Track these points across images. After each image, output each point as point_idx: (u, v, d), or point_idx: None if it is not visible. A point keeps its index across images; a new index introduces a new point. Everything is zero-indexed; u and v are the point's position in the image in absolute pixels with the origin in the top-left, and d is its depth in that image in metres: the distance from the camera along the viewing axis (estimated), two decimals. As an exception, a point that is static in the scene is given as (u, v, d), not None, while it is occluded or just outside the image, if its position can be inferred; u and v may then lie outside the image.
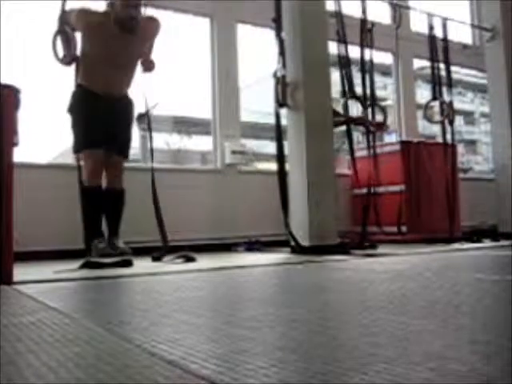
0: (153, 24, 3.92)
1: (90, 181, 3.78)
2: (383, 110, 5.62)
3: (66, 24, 3.75)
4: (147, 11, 3.96)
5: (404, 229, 5.64)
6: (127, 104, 3.97)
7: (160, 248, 3.92)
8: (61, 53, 3.79)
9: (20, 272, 2.69)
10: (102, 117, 3.74)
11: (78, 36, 3.81)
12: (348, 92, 5.23)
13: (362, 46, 5.46)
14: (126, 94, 3.96)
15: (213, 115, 5.72)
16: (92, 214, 3.80)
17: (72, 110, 3.79)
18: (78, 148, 3.86)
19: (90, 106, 3.75)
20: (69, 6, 3.82)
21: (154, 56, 4.04)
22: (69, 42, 3.73)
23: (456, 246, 5.15)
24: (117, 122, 3.84)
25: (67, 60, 3.76)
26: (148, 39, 3.92)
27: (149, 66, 3.96)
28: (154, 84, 4.13)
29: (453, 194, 5.90)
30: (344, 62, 5.19)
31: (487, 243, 5.45)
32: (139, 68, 3.98)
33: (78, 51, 3.80)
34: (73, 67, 3.87)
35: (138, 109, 4.10)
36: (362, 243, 4.70)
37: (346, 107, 5.17)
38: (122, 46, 3.73)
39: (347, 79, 5.21)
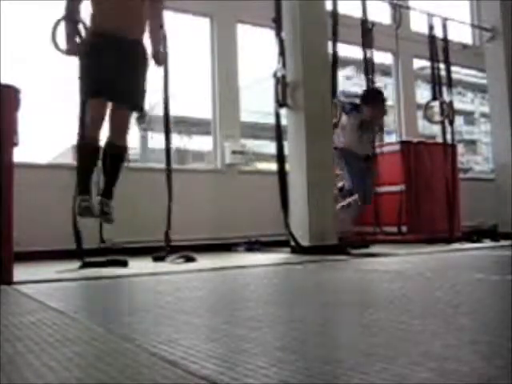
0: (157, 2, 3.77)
1: (87, 132, 3.48)
2: None
3: (76, 12, 3.53)
4: None
5: (404, 229, 5.64)
6: (138, 50, 3.65)
7: (160, 248, 3.92)
8: (63, 43, 3.58)
9: (20, 272, 2.69)
10: (108, 63, 3.43)
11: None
12: None
13: (364, 46, 5.46)
14: (139, 38, 3.64)
15: (213, 115, 5.72)
16: (82, 168, 3.52)
17: (79, 52, 3.48)
18: (82, 98, 3.52)
19: (97, 51, 3.45)
20: None
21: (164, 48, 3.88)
22: (75, 28, 3.44)
23: (456, 246, 5.15)
24: (123, 69, 3.51)
25: (73, 49, 3.46)
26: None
27: (160, 59, 3.77)
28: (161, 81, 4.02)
29: (453, 194, 5.90)
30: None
31: (487, 243, 5.45)
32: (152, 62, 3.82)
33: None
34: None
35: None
36: (355, 242, 4.72)
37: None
38: None
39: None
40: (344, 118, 5.06)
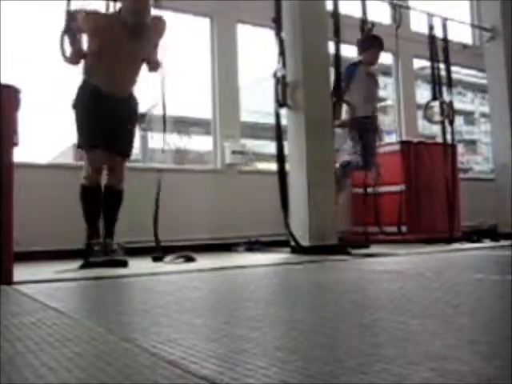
0: (159, 24, 3.87)
1: (89, 180, 3.75)
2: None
3: (73, 23, 3.71)
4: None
5: (404, 229, 5.64)
6: (131, 103, 3.92)
7: (160, 248, 3.92)
8: (67, 51, 3.74)
9: (20, 272, 2.69)
10: (105, 116, 3.69)
11: (84, 36, 3.77)
12: None
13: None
14: (131, 92, 3.91)
15: (213, 115, 5.72)
16: (89, 213, 3.76)
17: (76, 106, 3.74)
18: (79, 145, 3.82)
19: (94, 103, 3.70)
20: (77, 3, 3.78)
21: (159, 56, 3.98)
22: (75, 42, 3.70)
23: (456, 246, 5.15)
24: (120, 121, 3.79)
25: (74, 59, 3.71)
26: (154, 39, 3.88)
27: (154, 67, 3.94)
28: (158, 84, 4.09)
29: (453, 194, 5.90)
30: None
31: (487, 243, 5.45)
32: (144, 68, 3.93)
33: (85, 49, 3.75)
34: (81, 66, 3.83)
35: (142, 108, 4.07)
36: (354, 242, 4.74)
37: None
38: (128, 47, 3.69)
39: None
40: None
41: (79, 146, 3.83)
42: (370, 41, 5.34)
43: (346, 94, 5.03)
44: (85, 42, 3.76)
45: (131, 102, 3.91)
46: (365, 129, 5.22)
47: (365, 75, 5.26)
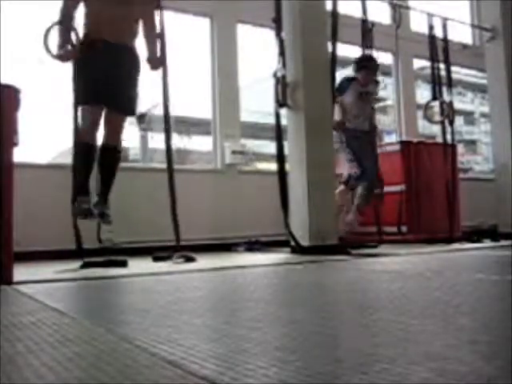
0: None
1: (83, 135, 3.58)
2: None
3: (70, 17, 3.59)
4: None
5: (404, 229, 5.64)
6: (132, 57, 3.75)
7: (160, 248, 3.92)
8: (54, 49, 3.62)
9: (20, 272, 2.69)
10: (103, 70, 3.54)
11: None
12: None
13: (364, 46, 5.46)
14: (132, 45, 3.75)
15: (213, 115, 5.73)
16: (80, 170, 3.60)
17: (73, 60, 3.59)
18: (77, 101, 3.64)
19: (93, 57, 3.55)
20: None
21: (160, 54, 3.91)
22: (68, 35, 3.53)
23: (456, 246, 5.15)
24: (117, 74, 3.62)
25: (65, 55, 3.55)
26: None
27: (156, 64, 3.85)
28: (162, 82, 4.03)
29: (453, 194, 5.90)
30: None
31: (487, 243, 5.45)
32: (147, 66, 3.87)
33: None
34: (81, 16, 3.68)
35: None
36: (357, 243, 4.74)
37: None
38: None
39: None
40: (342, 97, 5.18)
41: (77, 103, 3.64)
42: (366, 61, 5.32)
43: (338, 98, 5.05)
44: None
45: (131, 55, 3.75)
46: (361, 143, 5.20)
47: (356, 94, 5.24)
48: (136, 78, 3.78)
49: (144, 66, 3.87)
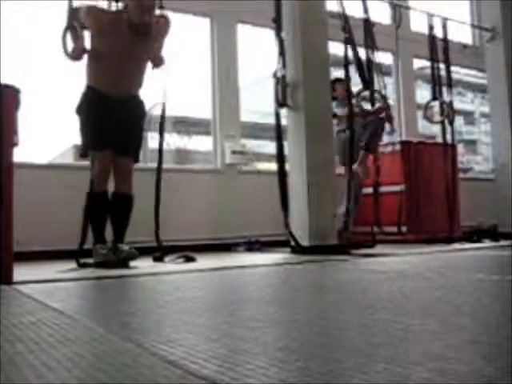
0: (163, 23, 3.81)
1: (95, 185, 3.64)
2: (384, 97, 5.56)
3: (76, 20, 3.65)
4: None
5: (404, 229, 5.64)
6: (137, 105, 3.83)
7: (160, 248, 3.92)
8: (69, 48, 3.66)
9: (20, 272, 2.69)
10: (111, 118, 3.61)
11: (87, 34, 3.70)
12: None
13: (367, 46, 5.45)
14: (137, 94, 3.82)
15: (213, 115, 5.73)
16: (95, 219, 3.67)
17: (80, 110, 3.65)
18: (85, 150, 3.70)
19: (99, 107, 3.62)
20: (77, 3, 3.73)
21: (164, 53, 3.91)
22: (77, 38, 3.60)
23: (456, 246, 5.15)
24: (126, 123, 3.70)
25: (76, 54, 3.61)
26: (158, 38, 3.82)
27: (158, 63, 3.83)
28: (162, 81, 4.04)
29: (453, 194, 5.90)
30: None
31: (487, 243, 5.45)
32: (149, 65, 3.88)
33: (87, 46, 3.68)
34: (83, 66, 3.72)
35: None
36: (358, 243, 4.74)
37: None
38: (133, 48, 3.60)
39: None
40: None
41: (85, 152, 3.71)
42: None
43: None
44: (87, 39, 3.68)
45: (137, 103, 3.82)
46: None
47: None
48: (143, 125, 3.88)
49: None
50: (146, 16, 3.58)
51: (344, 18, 4.92)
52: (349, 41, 4.90)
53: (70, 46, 3.63)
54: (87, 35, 3.67)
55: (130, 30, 3.59)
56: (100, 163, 3.63)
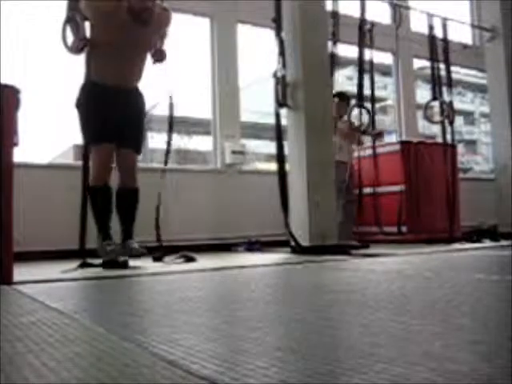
0: (165, 14, 3.78)
1: (96, 178, 3.59)
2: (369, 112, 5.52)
3: (76, 11, 3.59)
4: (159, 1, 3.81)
5: (404, 229, 5.64)
6: (138, 97, 3.78)
7: (160, 248, 3.92)
8: (70, 41, 3.61)
9: (20, 272, 2.69)
10: (111, 110, 3.56)
11: (87, 25, 3.65)
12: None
13: (361, 46, 5.46)
14: (137, 86, 3.78)
15: (213, 115, 5.73)
16: (99, 214, 3.59)
17: (80, 104, 3.60)
18: (87, 142, 3.67)
19: (99, 99, 3.57)
20: None
21: (165, 46, 3.88)
22: (78, 30, 3.54)
23: (456, 246, 5.15)
24: (127, 115, 3.65)
25: (76, 46, 3.55)
26: (159, 30, 3.77)
27: (159, 57, 3.78)
28: (166, 79, 4.02)
29: (453, 194, 5.90)
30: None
31: (487, 243, 5.45)
32: (149, 59, 3.85)
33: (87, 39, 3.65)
34: (82, 59, 3.70)
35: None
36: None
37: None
38: (134, 36, 3.56)
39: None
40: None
41: (87, 143, 3.66)
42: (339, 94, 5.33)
43: None
44: (87, 30, 3.64)
45: (137, 95, 3.78)
46: None
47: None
48: (143, 117, 3.85)
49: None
50: (147, 1, 3.53)
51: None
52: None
53: (70, 39, 3.59)
54: (88, 26, 3.62)
55: (130, 16, 3.53)
56: (100, 157, 3.58)
